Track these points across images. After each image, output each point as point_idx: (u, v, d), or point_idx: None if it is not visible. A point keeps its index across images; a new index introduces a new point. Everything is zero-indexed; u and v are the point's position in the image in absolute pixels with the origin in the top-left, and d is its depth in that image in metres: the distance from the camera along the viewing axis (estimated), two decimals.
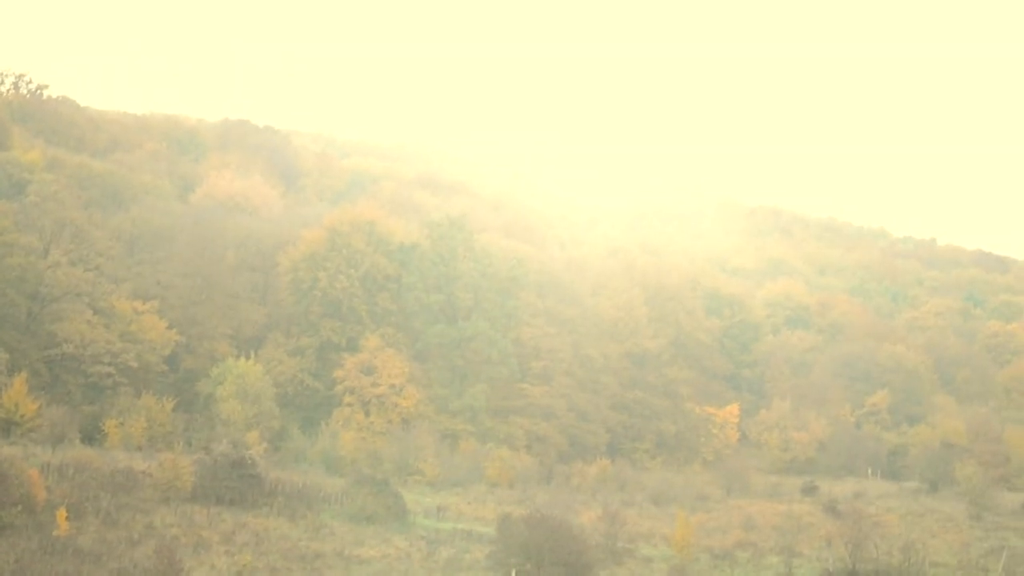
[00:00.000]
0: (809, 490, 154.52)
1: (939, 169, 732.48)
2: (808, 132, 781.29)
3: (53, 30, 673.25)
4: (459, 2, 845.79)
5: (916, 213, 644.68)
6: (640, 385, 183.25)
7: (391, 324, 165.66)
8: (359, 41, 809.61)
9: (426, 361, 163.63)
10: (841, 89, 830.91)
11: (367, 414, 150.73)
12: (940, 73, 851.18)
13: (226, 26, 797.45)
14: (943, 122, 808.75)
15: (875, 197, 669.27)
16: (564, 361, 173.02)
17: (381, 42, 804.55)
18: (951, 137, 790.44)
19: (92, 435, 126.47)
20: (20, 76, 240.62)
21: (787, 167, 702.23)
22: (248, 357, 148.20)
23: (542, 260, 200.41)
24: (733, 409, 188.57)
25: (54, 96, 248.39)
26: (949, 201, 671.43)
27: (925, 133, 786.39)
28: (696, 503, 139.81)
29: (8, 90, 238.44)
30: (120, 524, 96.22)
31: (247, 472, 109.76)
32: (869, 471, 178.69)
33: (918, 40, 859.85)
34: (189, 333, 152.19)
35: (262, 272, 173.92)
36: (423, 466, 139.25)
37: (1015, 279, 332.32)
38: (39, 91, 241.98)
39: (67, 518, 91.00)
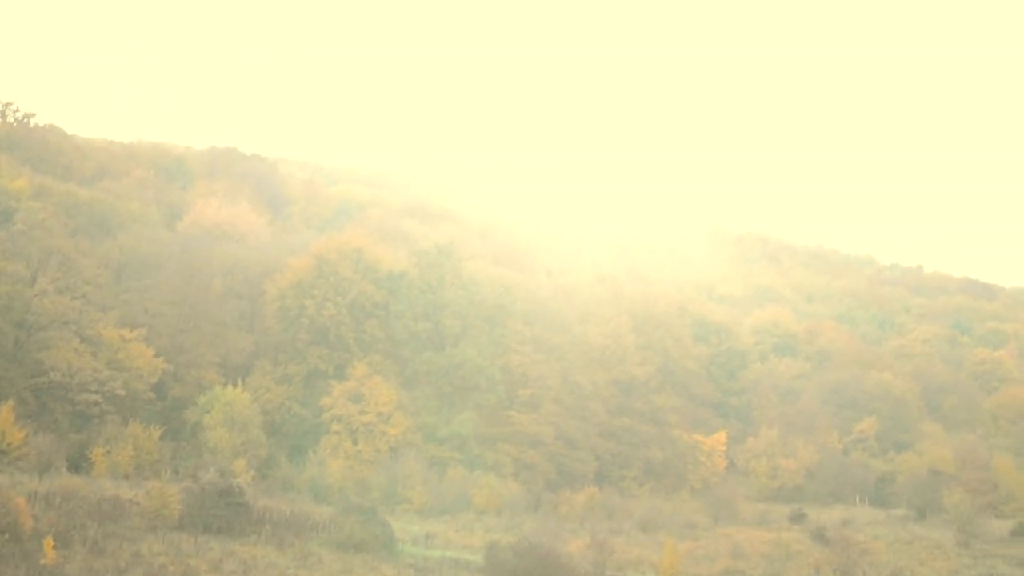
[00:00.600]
0: (797, 517, 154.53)
1: (926, 196, 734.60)
2: (794, 158, 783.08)
3: (43, 51, 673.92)
4: (443, 28, 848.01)
5: (903, 240, 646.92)
6: (628, 412, 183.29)
7: (379, 352, 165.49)
8: (345, 67, 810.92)
9: (414, 389, 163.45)
10: (829, 118, 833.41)
11: (355, 442, 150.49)
12: (928, 101, 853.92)
13: (215, 49, 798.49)
14: (930, 150, 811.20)
15: (862, 224, 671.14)
16: (552, 388, 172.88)
17: (369, 68, 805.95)
18: (938, 165, 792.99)
19: (79, 463, 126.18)
20: (7, 104, 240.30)
21: (774, 194, 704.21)
22: (235, 385, 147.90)
23: (530, 287, 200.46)
24: (721, 437, 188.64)
25: (41, 124, 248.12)
26: (936, 228, 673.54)
27: (912, 160, 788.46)
28: (684, 531, 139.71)
29: None
30: (107, 553, 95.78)
31: (235, 500, 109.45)
32: (857, 498, 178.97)
33: (905, 68, 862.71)
34: (176, 361, 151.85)
35: (249, 300, 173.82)
36: (411, 494, 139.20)
37: (1002, 306, 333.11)
38: (26, 119, 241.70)
39: (54, 547, 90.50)
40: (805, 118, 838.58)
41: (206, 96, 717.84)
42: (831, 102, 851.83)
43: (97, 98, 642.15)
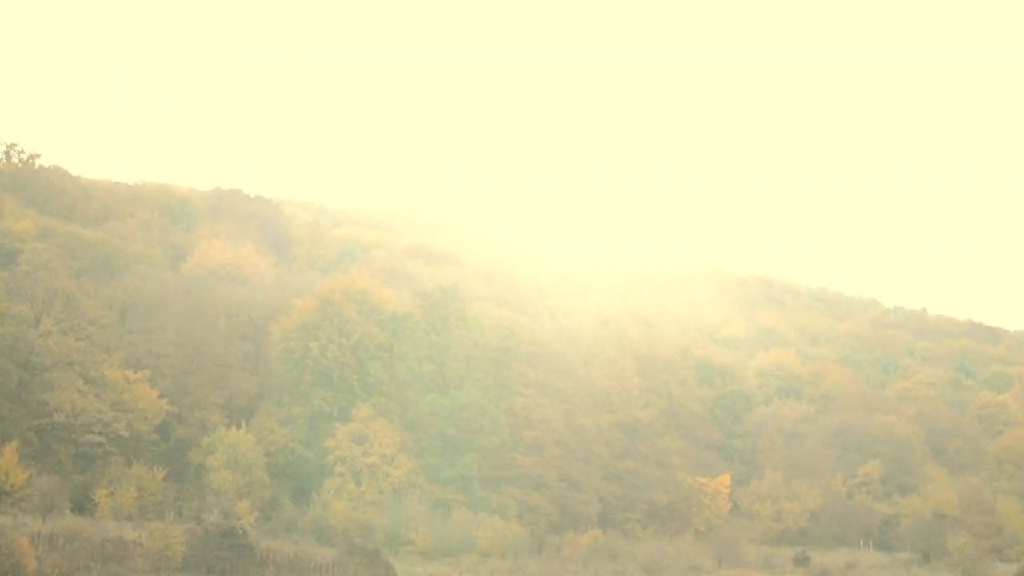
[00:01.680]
0: (801, 561, 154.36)
1: (931, 239, 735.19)
2: (798, 201, 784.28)
3: (47, 92, 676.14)
4: (445, 69, 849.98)
5: (907, 283, 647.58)
6: (632, 455, 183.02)
7: (383, 393, 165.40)
8: (349, 111, 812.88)
9: (417, 430, 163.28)
10: (835, 163, 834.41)
11: (358, 484, 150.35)
12: (934, 146, 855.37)
13: (221, 89, 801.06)
14: (935, 195, 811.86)
15: (865, 267, 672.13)
16: (556, 431, 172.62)
17: (373, 112, 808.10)
18: (943, 209, 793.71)
19: (82, 504, 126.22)
20: (12, 145, 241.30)
21: (777, 237, 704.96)
22: (239, 426, 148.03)
23: (534, 330, 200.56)
24: (725, 479, 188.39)
25: (46, 165, 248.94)
26: (940, 271, 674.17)
27: (916, 204, 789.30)
28: (688, 573, 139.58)
29: (0, 159, 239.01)
30: None
31: (238, 542, 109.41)
32: (861, 542, 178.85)
33: (914, 116, 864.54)
34: (180, 402, 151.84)
35: (254, 341, 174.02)
36: (414, 536, 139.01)
37: (1006, 349, 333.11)
38: (31, 160, 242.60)
39: None
40: (810, 163, 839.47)
41: (202, 153, 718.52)
42: (836, 149, 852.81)
43: (93, 157, 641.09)
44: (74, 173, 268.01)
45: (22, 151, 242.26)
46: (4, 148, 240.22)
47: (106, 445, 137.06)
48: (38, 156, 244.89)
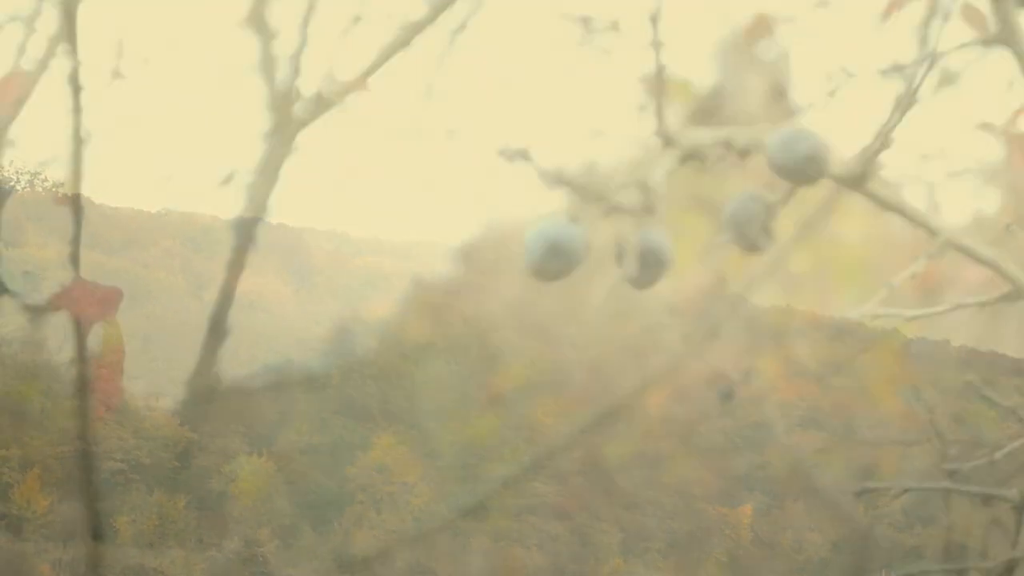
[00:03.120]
0: None
1: None
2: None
3: (67, 117, 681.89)
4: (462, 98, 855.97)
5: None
6: (653, 484, 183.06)
7: (404, 422, 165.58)
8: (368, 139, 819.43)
9: (439, 459, 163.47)
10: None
11: (379, 512, 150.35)
12: None
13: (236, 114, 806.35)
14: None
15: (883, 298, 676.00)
16: (577, 459, 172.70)
17: (391, 137, 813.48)
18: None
19: (104, 532, 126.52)
20: (35, 174, 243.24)
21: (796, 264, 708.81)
22: (260, 455, 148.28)
23: (555, 358, 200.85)
24: (746, 509, 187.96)
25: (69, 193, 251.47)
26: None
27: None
28: None
29: (24, 187, 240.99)
30: None
31: (259, 570, 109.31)
32: (883, 573, 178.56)
33: None
34: (202, 430, 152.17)
35: (276, 370, 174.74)
36: (435, 565, 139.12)
37: None
38: (54, 188, 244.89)
39: None
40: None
41: (230, 160, 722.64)
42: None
43: (116, 186, 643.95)
44: (97, 201, 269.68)
45: (45, 179, 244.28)
46: (28, 176, 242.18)
47: (127, 472, 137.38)
48: (61, 184, 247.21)
